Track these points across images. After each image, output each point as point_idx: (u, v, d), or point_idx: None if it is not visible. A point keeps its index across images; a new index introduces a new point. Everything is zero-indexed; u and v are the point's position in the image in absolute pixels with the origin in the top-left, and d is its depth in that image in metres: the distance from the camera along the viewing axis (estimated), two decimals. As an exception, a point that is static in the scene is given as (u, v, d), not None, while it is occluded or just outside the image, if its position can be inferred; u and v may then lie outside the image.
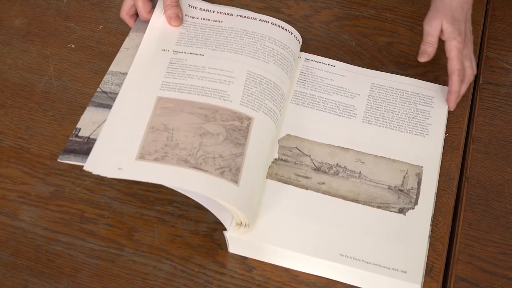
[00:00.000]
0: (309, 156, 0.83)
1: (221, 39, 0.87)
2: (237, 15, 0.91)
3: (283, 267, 0.77)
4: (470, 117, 0.91)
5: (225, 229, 0.76)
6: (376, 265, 0.75)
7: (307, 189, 0.80)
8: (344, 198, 0.80)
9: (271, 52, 0.87)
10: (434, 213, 0.80)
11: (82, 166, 0.74)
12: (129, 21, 0.91)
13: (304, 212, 0.78)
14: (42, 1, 1.04)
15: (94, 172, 0.73)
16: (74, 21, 1.01)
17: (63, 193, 0.82)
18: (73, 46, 0.98)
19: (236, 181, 0.74)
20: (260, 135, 0.80)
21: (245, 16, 0.91)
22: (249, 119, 0.79)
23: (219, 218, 0.76)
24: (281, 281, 0.76)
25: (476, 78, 0.95)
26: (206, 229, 0.79)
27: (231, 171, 0.74)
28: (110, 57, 0.90)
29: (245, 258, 0.78)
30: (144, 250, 0.78)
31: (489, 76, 0.95)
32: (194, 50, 0.86)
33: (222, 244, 0.78)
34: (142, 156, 0.74)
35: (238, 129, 0.78)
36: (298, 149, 0.83)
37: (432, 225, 0.79)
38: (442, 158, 0.85)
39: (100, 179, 0.83)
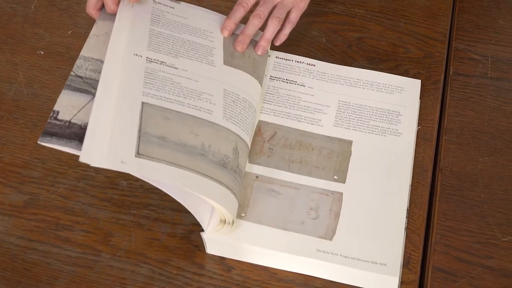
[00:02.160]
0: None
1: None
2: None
3: (261, 266, 0.77)
4: (441, 108, 0.92)
5: (202, 230, 0.75)
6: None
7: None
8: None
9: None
10: (409, 205, 0.81)
11: (46, 158, 0.72)
12: (97, 15, 0.89)
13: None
14: (9, 8, 1.03)
15: (93, 164, 0.70)
16: (42, 27, 1.00)
17: (37, 201, 0.82)
18: (42, 52, 0.97)
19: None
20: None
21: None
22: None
23: (197, 219, 0.76)
24: (260, 280, 0.76)
25: (446, 69, 0.96)
26: (183, 231, 0.79)
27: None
28: (80, 62, 0.90)
29: (224, 258, 0.77)
30: (121, 255, 0.78)
31: (459, 67, 0.96)
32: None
33: (199, 246, 0.78)
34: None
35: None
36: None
37: (407, 217, 0.80)
38: (416, 150, 0.86)
39: (75, 186, 0.83)
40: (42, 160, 0.85)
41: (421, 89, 0.92)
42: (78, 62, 0.80)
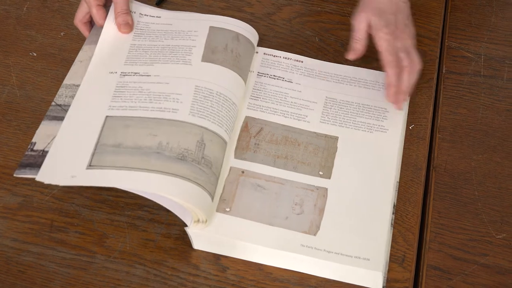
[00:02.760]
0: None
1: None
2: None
3: (256, 266, 0.77)
4: (435, 107, 0.92)
5: (186, 225, 0.76)
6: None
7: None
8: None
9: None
10: (404, 204, 0.81)
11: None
12: (82, 28, 0.92)
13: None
14: (1, 10, 1.02)
15: (46, 182, 0.75)
16: (34, 29, 1.00)
17: (31, 203, 0.82)
18: (35, 54, 0.97)
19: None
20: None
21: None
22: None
23: (178, 215, 0.76)
24: (255, 280, 0.76)
25: (439, 67, 0.96)
26: (178, 231, 0.79)
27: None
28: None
29: (218, 259, 0.77)
30: (116, 256, 0.78)
31: (451, 65, 0.96)
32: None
33: (194, 246, 0.78)
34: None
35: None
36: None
37: (394, 213, 0.80)
38: (409, 149, 0.86)
39: (69, 187, 0.83)
40: (35, 162, 0.85)
41: (414, 87, 0.92)
42: (60, 91, 0.85)
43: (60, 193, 0.82)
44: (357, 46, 0.87)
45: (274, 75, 0.92)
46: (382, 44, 0.85)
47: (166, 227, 0.80)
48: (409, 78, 0.86)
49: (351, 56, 0.87)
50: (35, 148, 0.79)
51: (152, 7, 0.94)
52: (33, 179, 0.76)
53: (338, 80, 0.92)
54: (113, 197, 0.82)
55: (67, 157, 0.77)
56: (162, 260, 0.77)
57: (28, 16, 1.02)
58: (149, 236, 0.79)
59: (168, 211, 0.78)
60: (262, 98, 0.89)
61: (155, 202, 0.77)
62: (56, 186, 0.82)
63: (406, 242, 0.78)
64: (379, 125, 0.87)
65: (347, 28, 1.00)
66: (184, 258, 0.77)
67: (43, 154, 0.78)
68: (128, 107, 0.82)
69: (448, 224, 0.81)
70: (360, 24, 0.86)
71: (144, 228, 0.80)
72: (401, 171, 0.84)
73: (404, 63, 0.86)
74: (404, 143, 0.87)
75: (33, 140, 0.79)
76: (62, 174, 0.76)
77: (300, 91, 0.90)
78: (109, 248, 0.78)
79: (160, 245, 0.78)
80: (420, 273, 0.77)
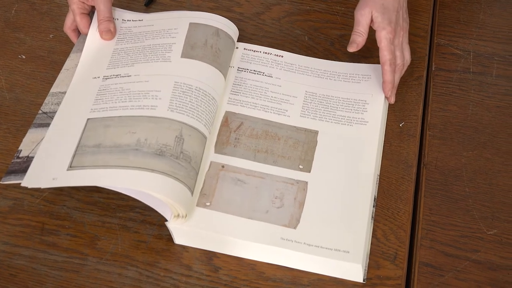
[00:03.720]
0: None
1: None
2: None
3: (249, 266, 0.77)
4: (425, 104, 0.93)
5: (166, 220, 0.77)
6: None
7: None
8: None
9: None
10: (395, 201, 0.81)
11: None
12: (72, 35, 0.93)
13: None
14: (-11, 13, 1.02)
15: (30, 186, 0.77)
16: (23, 31, 1.00)
17: (22, 206, 0.81)
18: (24, 57, 0.97)
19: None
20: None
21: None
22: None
23: (159, 211, 0.77)
24: (248, 279, 0.76)
25: (429, 65, 0.97)
26: (170, 233, 0.79)
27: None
28: (62, 66, 0.89)
29: (211, 259, 0.77)
30: (108, 258, 0.77)
31: (440, 62, 0.97)
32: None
33: (187, 247, 0.78)
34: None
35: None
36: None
37: (375, 206, 0.80)
38: (400, 146, 0.86)
39: (59, 190, 0.82)
40: (26, 165, 0.84)
41: (404, 85, 0.92)
42: (46, 99, 0.86)
43: (51, 196, 0.82)
44: (359, 40, 0.88)
45: (254, 70, 0.92)
46: (383, 42, 0.87)
47: (158, 228, 0.80)
48: (399, 75, 0.90)
49: (352, 48, 0.88)
50: (20, 155, 0.80)
51: (135, 12, 0.95)
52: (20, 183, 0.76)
53: (318, 74, 0.92)
54: (104, 199, 0.82)
55: (50, 161, 0.78)
56: (155, 262, 0.77)
57: (16, 19, 1.02)
58: (141, 237, 0.79)
59: (159, 212, 0.78)
60: (242, 93, 0.89)
61: (146, 204, 0.77)
62: (48, 189, 0.82)
63: (398, 239, 0.79)
64: (359, 118, 0.87)
65: (337, 26, 1.01)
66: (177, 259, 0.77)
67: (28, 160, 0.79)
68: (109, 108, 0.82)
69: (439, 221, 0.81)
70: (363, 18, 0.87)
71: (136, 229, 0.80)
72: (392, 168, 0.84)
73: (398, 61, 0.89)
74: (395, 141, 0.87)
75: (20, 147, 0.81)
76: (44, 177, 0.77)
77: (280, 86, 0.90)
78: (101, 250, 0.78)
79: (152, 247, 0.78)
80: (412, 270, 0.77)
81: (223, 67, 0.89)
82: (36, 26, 1.00)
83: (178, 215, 0.75)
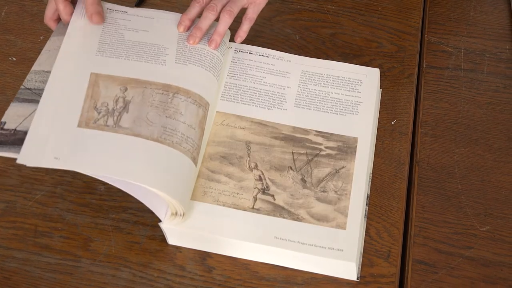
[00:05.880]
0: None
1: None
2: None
3: (242, 266, 0.77)
4: (416, 101, 0.93)
5: (160, 221, 0.76)
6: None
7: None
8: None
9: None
10: (388, 199, 0.81)
11: (22, 165, 0.74)
12: (53, 25, 0.90)
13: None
14: (-21, 15, 1.02)
15: (28, 164, 0.73)
16: (14, 33, 1.00)
17: (14, 208, 0.81)
18: (14, 59, 0.96)
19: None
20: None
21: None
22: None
23: (153, 210, 0.76)
24: (242, 279, 0.76)
25: (420, 62, 0.97)
26: (163, 233, 0.79)
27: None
28: (53, 68, 0.89)
29: (204, 259, 0.77)
30: (101, 259, 0.77)
31: (432, 60, 0.97)
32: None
33: (180, 247, 0.78)
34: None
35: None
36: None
37: (368, 204, 0.80)
38: (392, 144, 0.86)
39: (52, 192, 0.82)
40: (18, 167, 0.84)
41: (395, 83, 0.92)
42: (29, 76, 0.83)
43: (43, 198, 0.82)
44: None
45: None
46: None
47: (151, 229, 0.79)
48: (207, 23, 0.89)
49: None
50: (5, 127, 0.77)
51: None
52: (16, 185, 0.75)
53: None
54: (96, 201, 0.82)
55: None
56: (148, 262, 0.77)
57: (6, 21, 1.01)
58: (134, 238, 0.79)
59: (152, 213, 0.78)
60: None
61: (139, 204, 0.77)
62: (40, 191, 0.82)
63: (391, 237, 0.79)
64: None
65: (328, 25, 1.01)
66: (170, 260, 0.77)
67: (15, 133, 0.77)
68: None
69: (432, 218, 0.81)
70: None
71: (129, 230, 0.79)
72: (384, 166, 0.85)
73: (211, 14, 0.88)
74: (387, 139, 0.87)
75: (2, 119, 0.78)
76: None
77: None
78: (94, 251, 0.78)
79: (145, 247, 0.78)
80: (406, 268, 0.78)
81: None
82: (27, 28, 1.00)
83: (176, 213, 0.75)
